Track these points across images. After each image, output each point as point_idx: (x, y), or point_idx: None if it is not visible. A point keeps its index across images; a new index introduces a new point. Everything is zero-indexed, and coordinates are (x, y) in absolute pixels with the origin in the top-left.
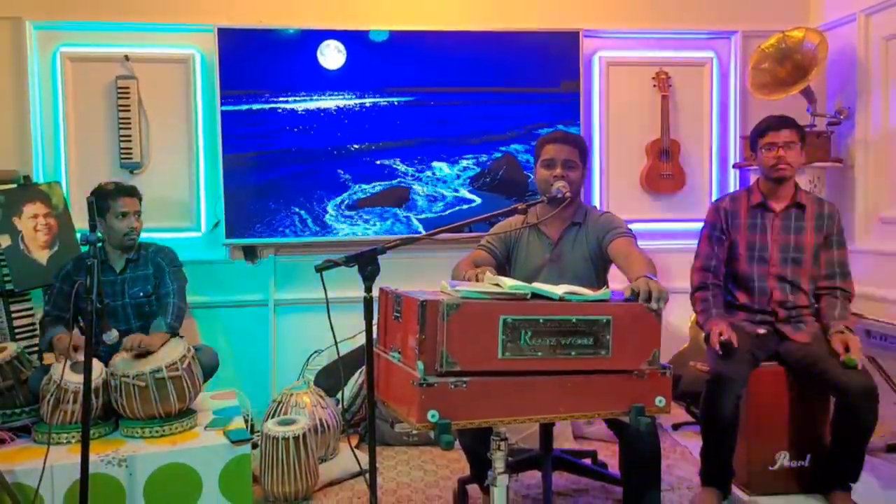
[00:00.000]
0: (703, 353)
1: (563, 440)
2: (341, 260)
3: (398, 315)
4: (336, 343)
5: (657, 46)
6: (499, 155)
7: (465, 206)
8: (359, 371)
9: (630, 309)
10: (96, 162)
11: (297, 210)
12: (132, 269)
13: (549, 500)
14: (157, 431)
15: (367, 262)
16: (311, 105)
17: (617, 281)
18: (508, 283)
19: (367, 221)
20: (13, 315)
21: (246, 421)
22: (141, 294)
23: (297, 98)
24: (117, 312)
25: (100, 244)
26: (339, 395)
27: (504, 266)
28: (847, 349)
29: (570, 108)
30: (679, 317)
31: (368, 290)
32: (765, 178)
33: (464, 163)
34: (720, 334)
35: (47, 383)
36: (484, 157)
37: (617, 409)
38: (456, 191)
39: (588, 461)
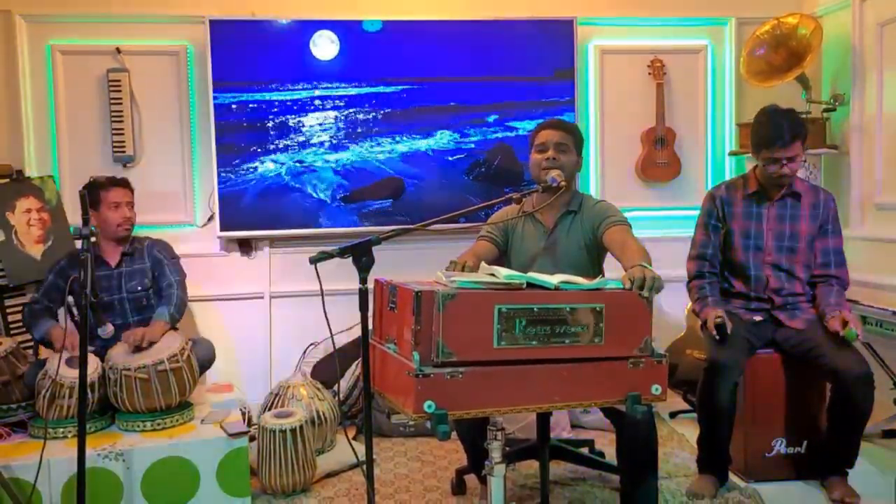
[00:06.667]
0: (699, 341)
1: (561, 429)
2: (335, 251)
3: (393, 306)
4: (332, 335)
5: (651, 34)
6: (494, 145)
7: (459, 197)
8: (355, 362)
9: (622, 297)
10: (89, 155)
11: (291, 202)
12: (128, 262)
13: (547, 490)
14: (158, 424)
15: (361, 253)
16: (305, 96)
17: (613, 269)
18: (503, 273)
19: (361, 212)
20: (8, 310)
21: (243, 413)
22: (139, 288)
23: (291, 89)
24: (114, 307)
25: (93, 238)
26: (335, 387)
27: (505, 254)
28: (845, 324)
29: (565, 97)
30: (675, 305)
31: (363, 281)
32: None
33: (458, 153)
34: (716, 317)
35: (43, 378)
36: (478, 147)
37: (613, 398)
38: (450, 181)
39: (585, 450)
